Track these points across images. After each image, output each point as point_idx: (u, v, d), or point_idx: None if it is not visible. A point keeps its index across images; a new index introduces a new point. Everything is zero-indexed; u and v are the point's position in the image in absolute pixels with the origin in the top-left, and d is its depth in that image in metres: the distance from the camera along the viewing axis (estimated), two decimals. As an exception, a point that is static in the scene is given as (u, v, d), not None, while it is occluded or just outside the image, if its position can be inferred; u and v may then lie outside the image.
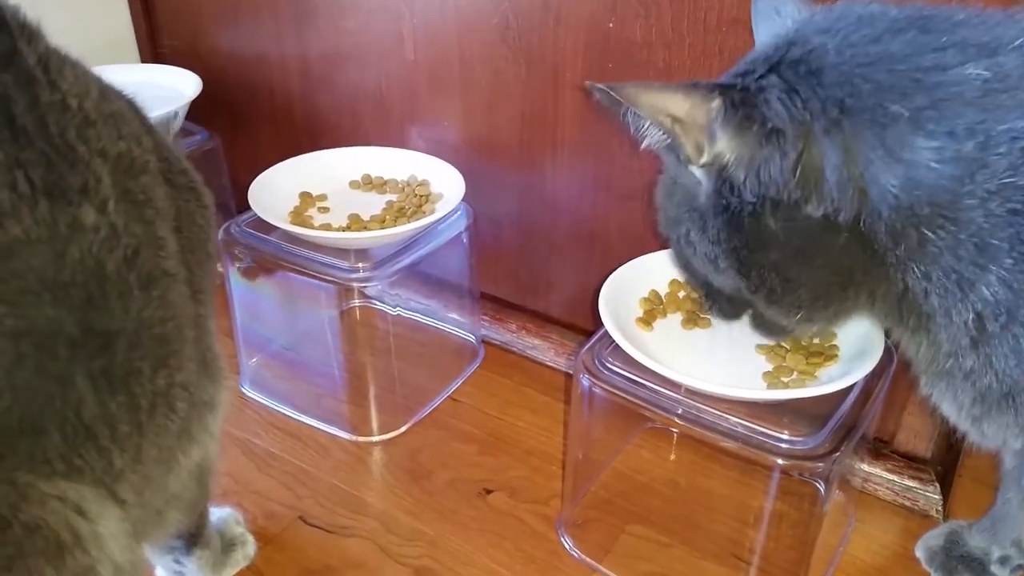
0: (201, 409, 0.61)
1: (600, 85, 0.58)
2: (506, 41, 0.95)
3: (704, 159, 0.59)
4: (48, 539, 0.45)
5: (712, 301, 0.74)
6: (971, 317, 0.55)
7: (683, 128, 0.58)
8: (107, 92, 0.54)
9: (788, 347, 0.77)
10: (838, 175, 0.54)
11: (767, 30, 0.65)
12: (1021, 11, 0.55)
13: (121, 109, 0.55)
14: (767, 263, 0.61)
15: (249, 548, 0.83)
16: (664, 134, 0.59)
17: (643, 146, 0.62)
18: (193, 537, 0.73)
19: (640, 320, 0.80)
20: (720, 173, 0.59)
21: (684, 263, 0.70)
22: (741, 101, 0.56)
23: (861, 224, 0.56)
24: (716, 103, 0.57)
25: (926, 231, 0.54)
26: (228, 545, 0.82)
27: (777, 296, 0.62)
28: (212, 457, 0.66)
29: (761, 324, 0.73)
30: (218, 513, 0.84)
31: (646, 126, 0.59)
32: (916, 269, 0.56)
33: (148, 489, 0.55)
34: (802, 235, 0.58)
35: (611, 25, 0.87)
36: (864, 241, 0.56)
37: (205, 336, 0.62)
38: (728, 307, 0.73)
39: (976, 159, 0.51)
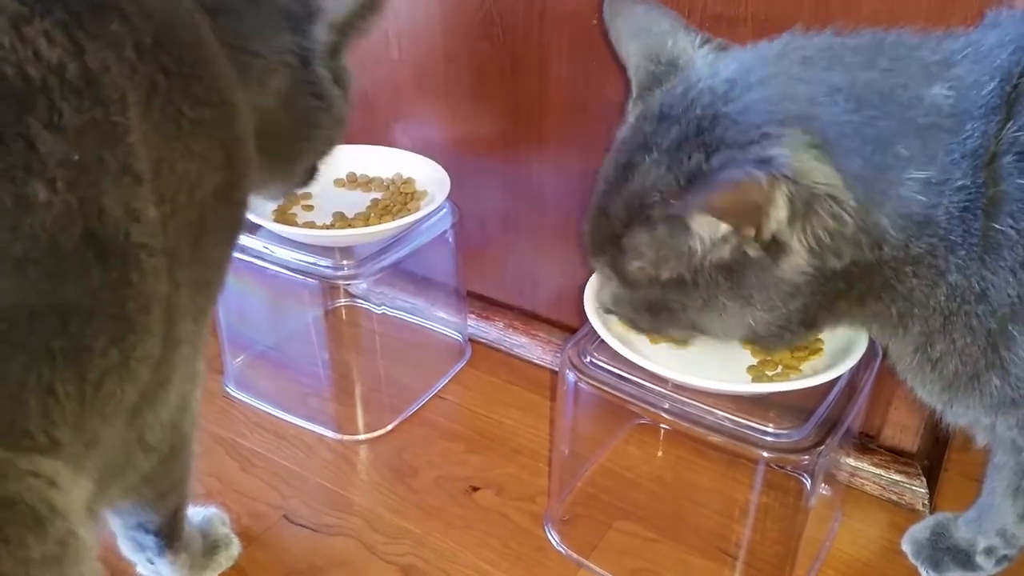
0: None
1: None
2: (491, 38, 0.95)
3: (765, 235, 0.56)
4: (25, 514, 0.45)
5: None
6: (942, 300, 0.57)
7: (751, 218, 0.56)
8: None
9: (773, 341, 0.77)
10: (870, 225, 0.55)
11: (641, 50, 0.66)
12: (959, 30, 0.58)
13: None
14: (811, 309, 0.61)
15: (233, 550, 0.82)
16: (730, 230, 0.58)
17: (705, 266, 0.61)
18: (168, 538, 0.72)
19: (625, 315, 0.79)
20: (780, 247, 0.57)
21: (683, 335, 0.70)
22: (795, 175, 0.53)
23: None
24: (772, 180, 0.53)
25: (911, 249, 0.56)
26: (212, 547, 0.81)
27: (806, 331, 0.64)
28: (189, 421, 0.65)
29: None
30: (203, 513, 0.83)
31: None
32: (897, 278, 0.58)
33: (99, 455, 0.53)
34: (838, 277, 0.59)
35: (595, 22, 0.87)
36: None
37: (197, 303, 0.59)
38: None
39: (947, 176, 0.54)
